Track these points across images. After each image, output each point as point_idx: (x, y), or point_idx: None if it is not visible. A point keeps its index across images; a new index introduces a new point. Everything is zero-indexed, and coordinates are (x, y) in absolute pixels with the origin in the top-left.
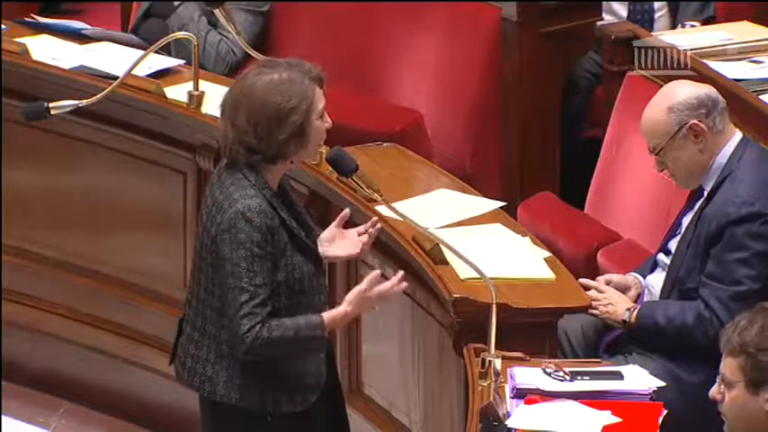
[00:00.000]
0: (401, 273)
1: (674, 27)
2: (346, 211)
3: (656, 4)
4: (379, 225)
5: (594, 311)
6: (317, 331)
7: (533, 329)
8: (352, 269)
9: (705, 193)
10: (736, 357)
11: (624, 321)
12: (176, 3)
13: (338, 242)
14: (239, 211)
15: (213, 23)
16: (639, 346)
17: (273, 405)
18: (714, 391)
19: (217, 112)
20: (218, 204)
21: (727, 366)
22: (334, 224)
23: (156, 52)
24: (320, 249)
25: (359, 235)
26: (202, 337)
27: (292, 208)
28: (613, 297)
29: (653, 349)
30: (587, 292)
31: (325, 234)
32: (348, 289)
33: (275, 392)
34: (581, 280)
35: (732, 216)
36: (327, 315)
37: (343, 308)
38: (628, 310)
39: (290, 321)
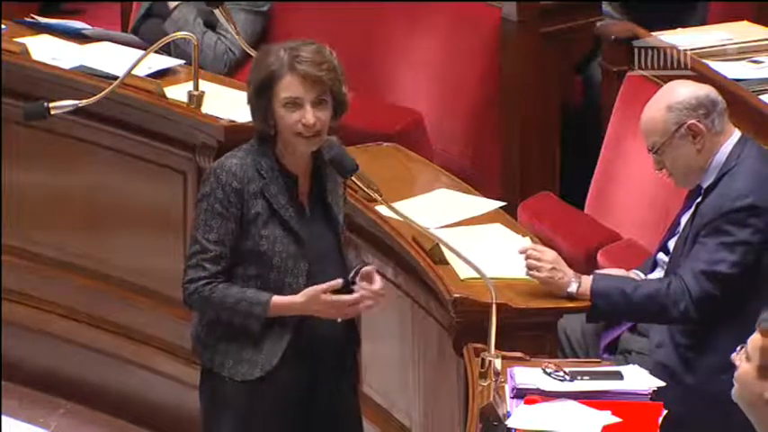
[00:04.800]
0: (359, 295)
1: None
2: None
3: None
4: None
5: (537, 275)
6: (257, 308)
7: (533, 329)
8: None
9: (703, 191)
10: (763, 337)
11: (571, 292)
12: (172, 5)
13: None
14: (214, 168)
15: (212, 24)
16: (639, 346)
17: (218, 367)
18: (735, 356)
19: (216, 112)
20: None
21: (753, 342)
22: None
23: (156, 52)
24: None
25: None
26: None
27: (319, 192)
28: (558, 261)
29: (653, 349)
30: (523, 254)
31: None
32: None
33: (223, 355)
34: (520, 248)
35: (725, 209)
36: (276, 298)
37: (295, 298)
38: (574, 279)
39: (237, 290)
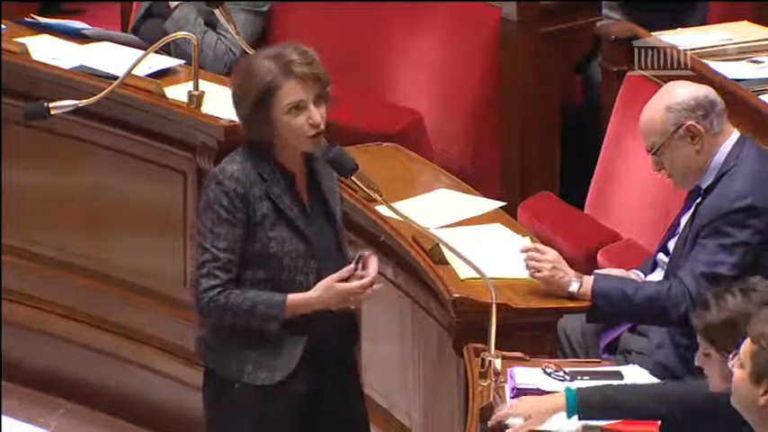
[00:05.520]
0: (369, 278)
1: None
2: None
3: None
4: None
5: (539, 274)
6: (275, 310)
7: (533, 329)
8: None
9: (702, 192)
10: (753, 344)
11: (572, 292)
12: (173, 4)
13: None
14: (215, 173)
15: (212, 24)
16: (639, 346)
17: (238, 374)
18: (729, 363)
19: (216, 112)
20: None
21: (745, 347)
22: None
23: (156, 52)
24: None
25: None
26: None
27: (315, 189)
28: (559, 261)
29: (653, 350)
30: (524, 254)
31: None
32: None
33: (242, 362)
34: (521, 247)
35: (724, 209)
36: (292, 297)
37: (310, 293)
38: (575, 279)
39: (252, 294)
